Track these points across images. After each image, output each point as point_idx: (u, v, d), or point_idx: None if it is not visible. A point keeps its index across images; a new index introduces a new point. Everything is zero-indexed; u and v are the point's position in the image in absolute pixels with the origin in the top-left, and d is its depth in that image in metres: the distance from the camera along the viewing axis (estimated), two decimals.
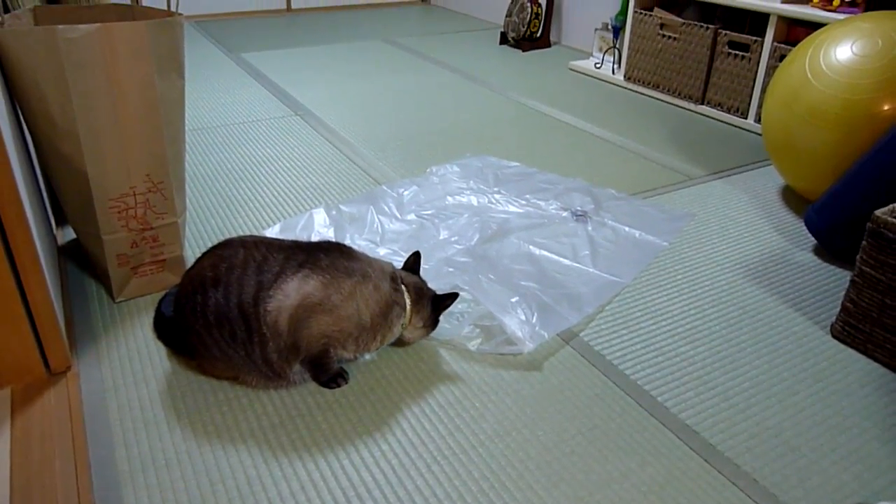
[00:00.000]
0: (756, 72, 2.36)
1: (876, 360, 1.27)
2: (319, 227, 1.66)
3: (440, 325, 1.25)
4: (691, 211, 1.83)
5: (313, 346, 1.10)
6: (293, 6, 4.49)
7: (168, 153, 1.31)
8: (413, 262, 1.26)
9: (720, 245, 1.67)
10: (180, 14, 1.31)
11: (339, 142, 2.26)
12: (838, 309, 1.34)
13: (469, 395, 1.16)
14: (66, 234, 1.63)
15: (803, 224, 1.73)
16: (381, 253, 1.56)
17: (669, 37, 2.66)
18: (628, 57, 2.89)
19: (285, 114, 2.52)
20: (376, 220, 1.70)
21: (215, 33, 3.82)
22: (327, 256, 1.12)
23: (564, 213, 1.77)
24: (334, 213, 1.72)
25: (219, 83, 2.88)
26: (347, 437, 1.07)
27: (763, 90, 2.35)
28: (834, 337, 1.33)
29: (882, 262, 1.22)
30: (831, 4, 2.16)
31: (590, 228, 1.69)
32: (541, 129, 2.41)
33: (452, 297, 1.23)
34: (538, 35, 3.56)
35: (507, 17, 3.60)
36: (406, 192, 1.84)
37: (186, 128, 2.28)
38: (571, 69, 3.21)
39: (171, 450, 1.03)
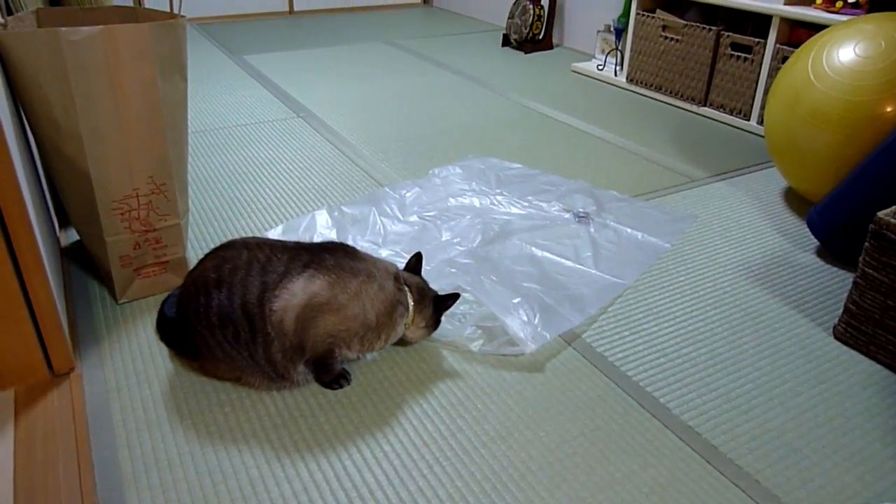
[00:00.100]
0: (758, 73, 2.36)
1: (878, 361, 1.27)
2: (322, 229, 1.67)
3: (442, 325, 1.25)
4: (693, 212, 1.83)
5: (319, 346, 1.10)
6: (295, 8, 4.50)
7: (171, 155, 1.32)
8: (415, 263, 1.27)
9: (722, 247, 1.67)
10: (183, 16, 1.31)
11: (341, 143, 2.26)
12: (841, 311, 1.34)
13: (471, 397, 1.16)
14: (70, 236, 1.63)
15: (806, 226, 1.73)
16: (384, 254, 1.56)
17: (672, 38, 2.66)
18: (630, 59, 2.89)
19: (287, 116, 2.52)
20: (378, 221, 1.70)
21: (218, 35, 3.82)
22: (332, 256, 1.12)
23: (566, 215, 1.77)
24: (336, 214, 1.73)
25: (221, 85, 2.89)
26: (350, 438, 1.07)
27: (765, 92, 2.35)
28: (836, 339, 1.33)
29: (885, 264, 1.22)
30: (834, 6, 2.16)
31: (592, 230, 1.69)
32: (543, 131, 2.42)
33: (454, 297, 1.24)
34: (540, 37, 3.56)
35: (509, 18, 3.61)
36: (408, 194, 1.85)
37: (189, 130, 2.29)
38: (574, 71, 3.21)
39: (174, 450, 1.03)
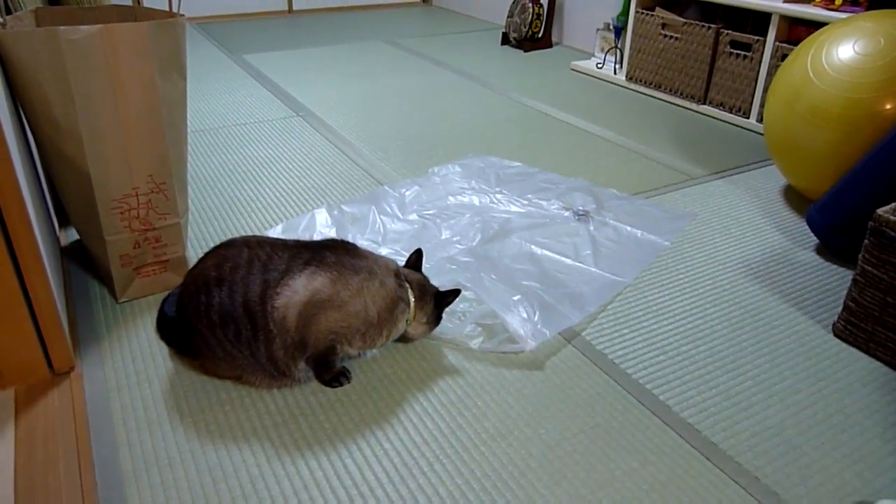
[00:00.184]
0: (758, 71, 2.36)
1: (878, 358, 1.27)
2: (321, 228, 1.67)
3: (442, 323, 1.25)
4: (693, 210, 1.83)
5: (321, 343, 1.11)
6: (295, 7, 4.50)
7: (170, 154, 1.32)
8: (415, 260, 1.27)
9: (722, 244, 1.67)
10: (182, 15, 1.31)
11: (340, 142, 2.26)
12: (840, 308, 1.34)
13: (471, 394, 1.16)
14: (70, 236, 1.63)
15: (805, 223, 1.73)
16: (384, 252, 1.56)
17: (671, 37, 2.66)
18: (630, 57, 2.89)
19: (287, 115, 2.52)
20: (378, 220, 1.70)
21: (217, 35, 3.82)
22: (333, 254, 1.12)
23: (566, 213, 1.77)
24: (336, 213, 1.73)
25: (221, 84, 2.89)
26: (350, 436, 1.07)
27: (765, 90, 2.35)
28: (836, 336, 1.33)
29: (884, 261, 1.22)
30: (833, 3, 2.16)
31: (591, 228, 1.69)
32: (542, 129, 2.42)
33: (455, 293, 1.24)
34: (540, 35, 3.56)
35: (508, 17, 3.61)
36: (408, 192, 1.85)
37: (189, 129, 2.29)
38: (573, 69, 3.21)
39: (175, 449, 1.04)
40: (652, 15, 2.72)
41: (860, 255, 1.27)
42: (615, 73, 3.03)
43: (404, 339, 1.26)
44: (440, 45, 3.66)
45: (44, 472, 1.00)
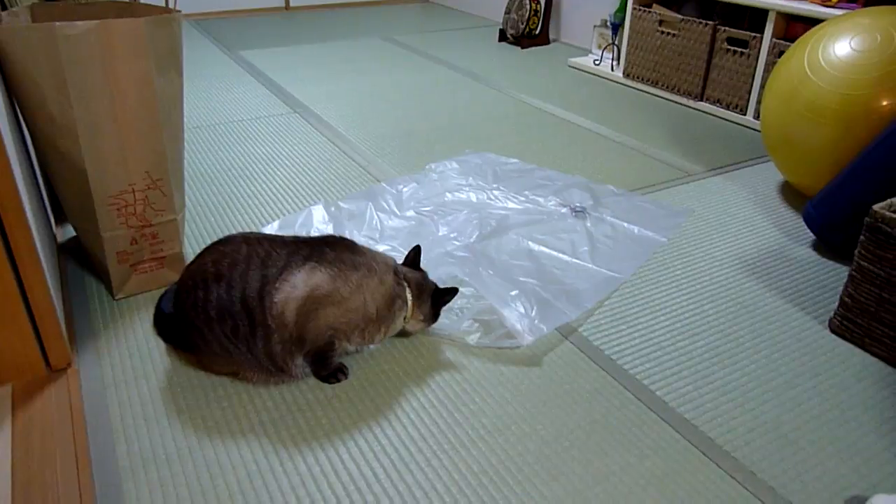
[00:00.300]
0: (755, 68, 2.37)
1: (873, 354, 1.27)
2: (318, 224, 1.67)
3: (440, 319, 1.26)
4: (690, 207, 1.83)
5: (319, 338, 1.11)
6: (292, 4, 4.49)
7: (167, 150, 1.31)
8: (413, 257, 1.27)
9: (719, 241, 1.67)
10: (178, 11, 1.31)
11: (337, 139, 2.26)
12: (836, 304, 1.35)
13: (468, 390, 1.17)
14: (66, 232, 1.63)
15: (802, 219, 1.73)
16: (381, 249, 1.56)
17: (668, 33, 2.66)
18: (627, 54, 2.89)
19: (284, 111, 2.52)
20: (375, 216, 1.70)
21: (214, 31, 3.81)
22: (332, 250, 1.13)
23: (563, 210, 1.77)
24: (333, 209, 1.73)
25: (217, 81, 2.88)
26: (347, 432, 1.07)
27: (762, 86, 2.35)
28: (832, 331, 1.34)
29: (880, 257, 1.22)
30: (830, 0, 2.16)
31: (589, 224, 1.70)
32: (540, 126, 2.42)
33: (453, 292, 1.24)
34: (537, 32, 3.56)
35: (505, 14, 3.60)
36: (405, 189, 1.85)
37: (185, 125, 2.28)
38: (570, 66, 3.21)
39: (172, 445, 1.04)
40: (649, 11, 2.72)
41: (856, 251, 1.27)
42: (612, 69, 3.03)
43: (402, 333, 1.26)
44: (438, 42, 3.65)
45: (41, 468, 1.00)
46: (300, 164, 2.05)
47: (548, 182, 1.92)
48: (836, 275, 1.53)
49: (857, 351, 1.29)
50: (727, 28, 2.43)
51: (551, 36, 3.73)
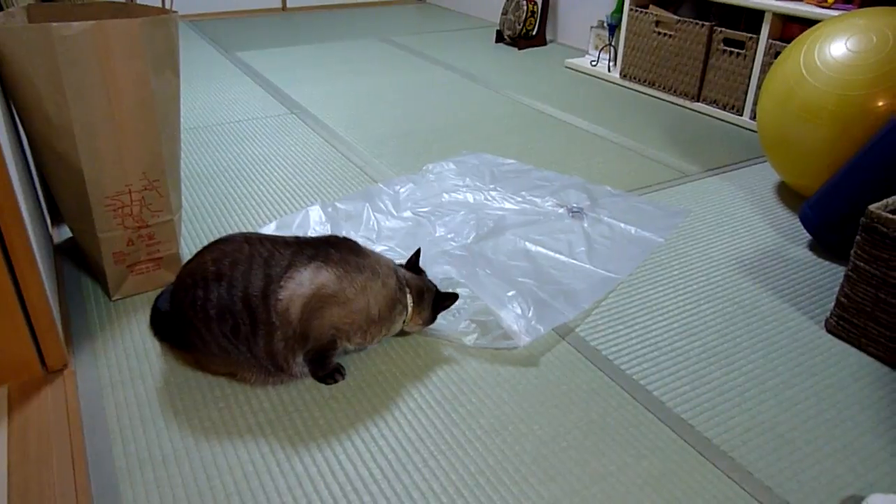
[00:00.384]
0: (751, 69, 2.37)
1: (870, 354, 1.28)
2: (315, 225, 1.67)
3: (437, 320, 1.26)
4: (687, 207, 1.84)
5: (322, 337, 1.11)
6: (289, 5, 4.49)
7: (164, 151, 1.31)
8: (415, 261, 1.29)
9: (715, 241, 1.67)
10: (175, 12, 1.31)
11: (335, 140, 2.26)
12: (832, 304, 1.35)
13: (466, 391, 1.17)
14: (62, 233, 1.63)
15: (798, 220, 1.74)
16: (377, 250, 1.56)
17: (665, 34, 2.66)
18: (624, 54, 2.90)
19: (281, 112, 2.52)
20: (372, 217, 1.70)
21: (211, 32, 3.81)
22: (337, 251, 1.13)
23: (560, 210, 1.77)
24: (330, 210, 1.73)
25: (214, 82, 2.88)
26: (344, 432, 1.07)
27: (758, 87, 2.36)
28: (828, 331, 1.34)
29: (876, 257, 1.23)
30: (826, 1, 2.17)
31: (586, 225, 1.70)
32: (537, 127, 2.42)
33: (453, 297, 1.26)
34: (534, 33, 3.56)
35: (502, 15, 3.61)
36: (402, 190, 1.85)
37: (182, 126, 2.28)
38: (567, 67, 3.21)
39: (169, 446, 1.03)
40: (646, 12, 2.73)
41: (852, 252, 1.27)
42: (609, 70, 3.03)
43: (399, 333, 1.27)
44: (435, 43, 3.65)
45: (37, 469, 1.00)
46: (297, 164, 2.05)
47: (545, 183, 1.92)
48: (833, 275, 1.53)
49: (854, 351, 1.29)
50: (723, 29, 2.44)
51: (548, 37, 3.74)
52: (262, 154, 2.13)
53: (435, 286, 1.26)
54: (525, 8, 3.46)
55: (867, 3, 2.10)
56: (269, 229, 1.65)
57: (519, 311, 1.33)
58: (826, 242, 1.61)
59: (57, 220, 1.67)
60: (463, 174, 1.96)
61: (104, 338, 1.28)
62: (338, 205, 1.75)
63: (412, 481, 0.99)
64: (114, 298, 1.38)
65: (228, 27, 3.95)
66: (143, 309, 1.36)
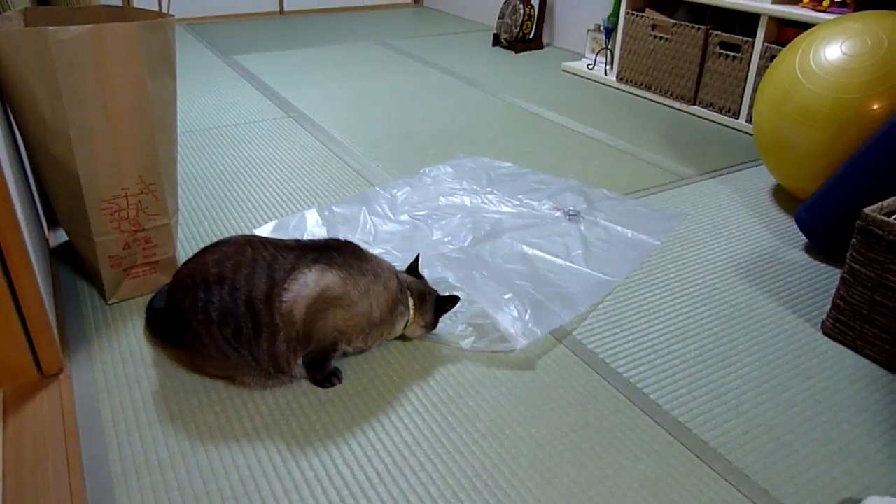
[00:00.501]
0: (747, 72, 2.38)
1: (866, 356, 1.28)
2: (312, 228, 1.66)
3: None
4: (683, 210, 1.84)
5: (325, 339, 1.11)
6: (286, 8, 4.49)
7: (160, 154, 1.31)
8: (415, 267, 1.30)
9: (712, 244, 1.68)
10: (171, 15, 1.31)
11: (331, 143, 2.26)
12: (829, 306, 1.35)
13: (462, 394, 1.16)
14: (58, 236, 1.62)
15: (794, 222, 1.74)
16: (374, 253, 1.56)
17: (661, 38, 2.67)
18: (620, 58, 2.90)
19: (278, 115, 2.52)
20: (369, 220, 1.70)
21: (208, 36, 3.81)
22: (340, 255, 1.14)
23: (557, 213, 1.77)
24: (327, 213, 1.72)
25: (211, 85, 2.88)
26: (341, 436, 1.07)
27: (754, 90, 2.37)
28: (825, 334, 1.34)
29: (871, 259, 1.23)
30: (821, 5, 2.18)
31: (582, 228, 1.70)
32: (533, 130, 2.42)
33: (454, 300, 1.26)
34: (531, 36, 3.57)
35: (499, 18, 3.61)
36: (399, 193, 1.85)
37: (179, 129, 2.28)
38: (564, 70, 3.22)
39: (165, 451, 1.03)
40: (642, 16, 2.74)
41: (848, 254, 1.28)
42: (606, 73, 3.04)
43: (401, 337, 1.27)
44: (431, 46, 3.66)
45: (32, 473, 0.99)
46: (294, 168, 2.05)
47: (542, 186, 1.93)
48: (829, 277, 1.54)
49: (850, 353, 1.29)
50: (719, 32, 2.45)
51: (545, 40, 3.75)
52: (259, 157, 2.13)
53: (435, 290, 1.26)
54: (522, 11, 3.46)
55: (862, 6, 2.11)
56: (266, 231, 1.65)
57: (516, 313, 1.33)
58: (822, 245, 1.62)
59: (53, 223, 1.66)
60: (460, 177, 1.96)
61: (100, 342, 1.27)
62: (334, 208, 1.75)
63: (409, 485, 0.98)
64: (110, 302, 1.38)
65: (226, 30, 3.95)
66: (139, 313, 1.35)
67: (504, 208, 1.80)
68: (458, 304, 1.29)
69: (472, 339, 1.29)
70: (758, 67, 2.33)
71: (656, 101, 2.77)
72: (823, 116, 1.63)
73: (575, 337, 1.32)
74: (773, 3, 2.27)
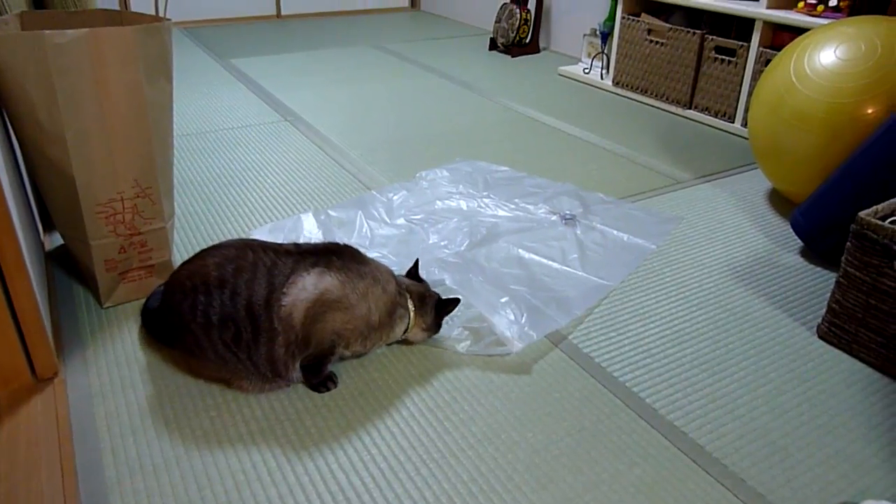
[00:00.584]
0: (742, 76, 2.39)
1: (861, 360, 1.28)
2: (307, 232, 1.66)
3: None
4: (679, 214, 1.84)
5: (323, 342, 1.11)
6: (283, 12, 4.50)
7: (156, 158, 1.31)
8: (415, 271, 1.30)
9: (707, 248, 1.68)
10: (168, 19, 1.31)
11: (328, 147, 2.26)
12: (824, 310, 1.36)
13: (458, 398, 1.16)
14: (54, 240, 1.62)
15: (789, 226, 1.74)
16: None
17: (657, 42, 2.68)
18: (616, 62, 2.91)
19: (275, 119, 2.52)
20: (365, 224, 1.70)
21: (205, 39, 3.81)
22: (339, 258, 1.15)
23: (553, 217, 1.77)
24: (323, 217, 1.72)
25: (208, 89, 2.88)
26: (336, 441, 1.07)
27: (749, 94, 2.37)
28: (820, 338, 1.34)
29: (866, 263, 1.23)
30: (815, 10, 2.19)
31: (578, 232, 1.70)
32: (530, 134, 2.43)
33: (455, 302, 1.26)
34: (527, 41, 3.58)
35: (496, 22, 3.62)
36: (395, 197, 1.85)
37: (175, 133, 2.28)
38: (560, 74, 3.23)
39: (159, 455, 1.03)
40: (638, 21, 2.74)
41: (843, 258, 1.28)
42: (602, 78, 3.04)
43: (403, 342, 1.27)
44: (428, 50, 3.66)
45: (26, 478, 0.99)
46: (290, 172, 2.05)
47: (538, 190, 1.93)
48: (824, 281, 1.54)
49: (845, 357, 1.29)
50: (715, 37, 2.46)
51: (541, 44, 3.76)
52: (256, 161, 2.13)
53: (437, 293, 1.26)
54: (518, 16, 3.47)
55: (856, 11, 2.12)
56: (261, 234, 1.65)
57: (512, 317, 1.33)
58: (817, 249, 1.62)
59: (49, 227, 1.66)
60: (456, 181, 1.96)
61: (95, 346, 1.27)
62: (330, 212, 1.75)
63: (405, 490, 0.98)
64: (105, 306, 1.37)
65: (223, 34, 3.96)
66: (134, 317, 1.35)
67: (500, 212, 1.80)
68: (455, 308, 1.29)
69: (468, 342, 1.29)
70: (753, 72, 2.34)
71: (652, 106, 2.78)
72: (818, 120, 1.64)
73: (571, 341, 1.32)
74: (768, 7, 2.28)
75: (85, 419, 1.10)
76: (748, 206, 1.91)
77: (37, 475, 0.99)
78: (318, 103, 2.70)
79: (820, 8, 2.17)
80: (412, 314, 1.21)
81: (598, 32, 3.11)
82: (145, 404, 1.13)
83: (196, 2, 4.18)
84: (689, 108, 2.64)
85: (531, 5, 3.53)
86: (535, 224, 1.73)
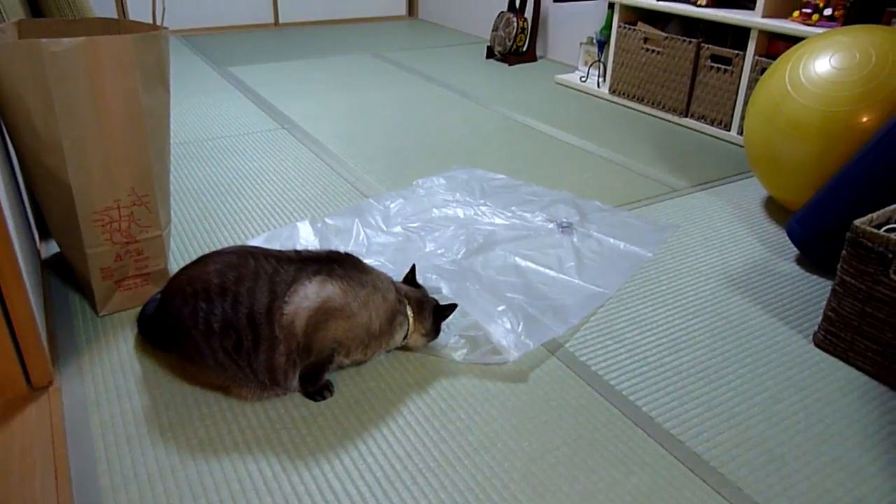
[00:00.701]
0: (738, 85, 2.40)
1: (857, 368, 1.28)
2: (304, 240, 1.66)
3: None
4: (675, 222, 1.85)
5: (324, 351, 1.11)
6: (281, 20, 4.51)
7: (153, 166, 1.31)
8: (411, 277, 1.30)
9: (704, 256, 1.68)
10: (165, 28, 1.31)
11: (325, 155, 2.26)
12: (820, 318, 1.36)
13: (455, 407, 1.16)
14: (50, 248, 1.62)
15: (785, 234, 1.75)
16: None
17: (653, 51, 2.69)
18: (613, 70, 2.92)
19: (272, 127, 2.52)
20: (362, 232, 1.70)
21: (203, 47, 3.82)
22: (341, 267, 1.15)
23: (550, 225, 1.78)
24: (320, 225, 1.72)
25: (205, 97, 2.88)
26: (332, 450, 1.06)
27: (745, 103, 2.39)
28: (816, 346, 1.35)
29: (862, 271, 1.24)
30: (810, 19, 2.20)
31: (575, 240, 1.70)
32: (527, 142, 2.43)
33: (452, 307, 1.27)
34: (524, 49, 3.59)
35: (493, 31, 3.64)
36: (392, 205, 1.85)
37: (172, 141, 2.28)
38: (557, 83, 3.24)
39: (154, 464, 1.02)
40: (634, 29, 2.76)
41: (839, 266, 1.28)
42: (598, 86, 3.06)
43: (406, 348, 1.28)
44: (425, 59, 3.68)
45: (20, 487, 0.98)
46: (287, 179, 2.05)
47: (535, 198, 1.93)
48: (820, 289, 1.54)
49: (842, 365, 1.30)
50: (711, 46, 2.47)
51: (538, 53, 3.77)
52: (253, 169, 2.13)
53: (434, 299, 1.27)
54: (515, 24, 3.49)
55: (851, 20, 2.13)
56: (258, 242, 1.64)
57: (508, 326, 1.33)
58: (813, 256, 1.62)
59: (45, 234, 1.66)
60: (453, 189, 1.97)
61: (90, 354, 1.26)
62: (327, 220, 1.75)
63: (401, 499, 0.98)
64: (101, 314, 1.37)
65: (220, 42, 3.96)
66: (130, 325, 1.35)
67: (497, 220, 1.80)
68: (452, 317, 1.29)
69: (464, 351, 1.28)
70: (749, 80, 2.35)
71: (648, 114, 2.79)
72: (813, 129, 1.65)
73: (567, 349, 1.32)
74: (764, 17, 2.29)
75: (80, 428, 1.09)
76: (744, 214, 1.91)
77: (31, 484, 0.99)
78: (316, 111, 2.71)
79: (815, 17, 2.19)
80: (411, 320, 1.21)
81: (594, 41, 3.12)
82: (140, 413, 1.12)
83: (194, 10, 4.19)
84: (686, 117, 2.65)
85: (528, 14, 3.55)
86: (531, 232, 1.74)
